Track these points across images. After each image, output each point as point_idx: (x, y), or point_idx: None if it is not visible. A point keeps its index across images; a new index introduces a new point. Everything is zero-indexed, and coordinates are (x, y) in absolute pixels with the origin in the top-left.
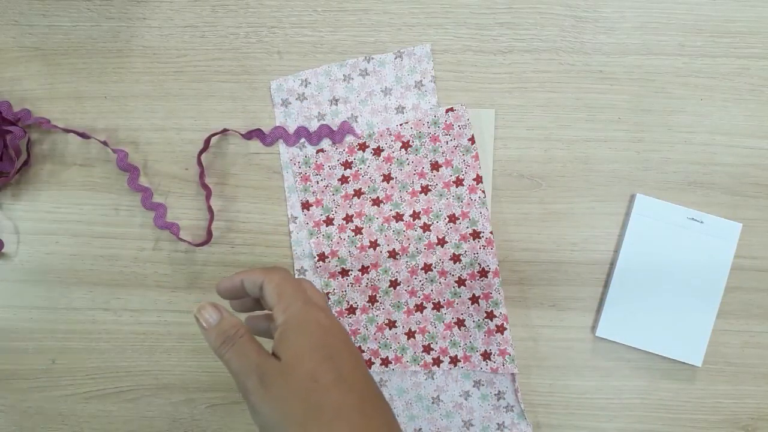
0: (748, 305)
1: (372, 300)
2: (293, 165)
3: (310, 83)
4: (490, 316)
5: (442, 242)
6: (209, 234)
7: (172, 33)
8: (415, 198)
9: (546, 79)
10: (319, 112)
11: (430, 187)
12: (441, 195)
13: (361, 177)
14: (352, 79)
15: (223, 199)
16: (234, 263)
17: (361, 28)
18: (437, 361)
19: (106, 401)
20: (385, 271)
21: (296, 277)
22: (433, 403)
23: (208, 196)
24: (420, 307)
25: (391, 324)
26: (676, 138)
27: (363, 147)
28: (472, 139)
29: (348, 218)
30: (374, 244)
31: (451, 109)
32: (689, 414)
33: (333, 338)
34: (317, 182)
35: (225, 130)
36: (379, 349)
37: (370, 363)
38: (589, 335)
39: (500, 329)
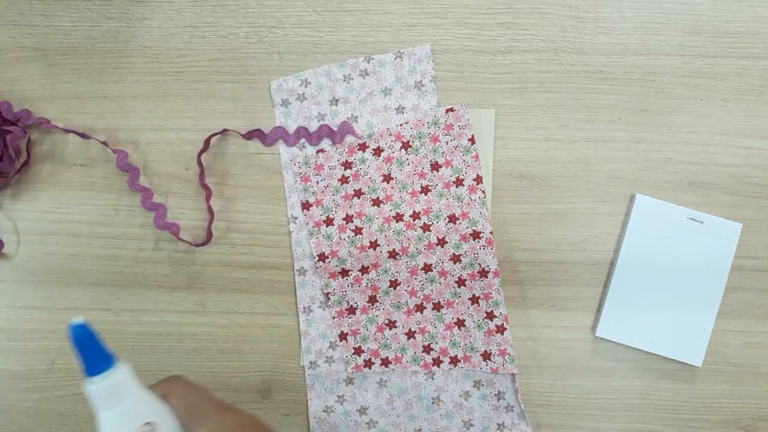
0: (748, 305)
1: (372, 300)
2: (293, 165)
3: (310, 83)
4: (490, 316)
5: (442, 242)
6: (209, 234)
7: (172, 33)
8: (415, 198)
9: (546, 79)
10: (319, 113)
11: (430, 188)
12: (441, 195)
13: (361, 177)
14: (352, 79)
15: (223, 199)
16: (234, 263)
17: (361, 28)
18: (437, 362)
19: None
20: (385, 271)
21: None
22: (433, 403)
23: (208, 197)
24: (420, 308)
25: (391, 324)
26: (676, 138)
27: (363, 147)
28: (472, 139)
29: (348, 218)
30: (374, 245)
31: (451, 109)
32: (689, 414)
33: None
34: (317, 182)
35: (225, 130)
36: (379, 350)
37: (370, 363)
38: (589, 335)
39: (500, 329)
